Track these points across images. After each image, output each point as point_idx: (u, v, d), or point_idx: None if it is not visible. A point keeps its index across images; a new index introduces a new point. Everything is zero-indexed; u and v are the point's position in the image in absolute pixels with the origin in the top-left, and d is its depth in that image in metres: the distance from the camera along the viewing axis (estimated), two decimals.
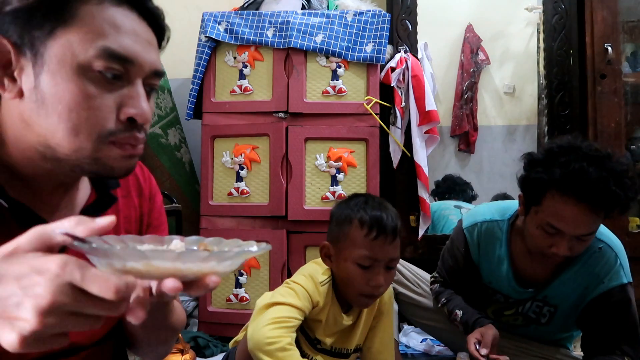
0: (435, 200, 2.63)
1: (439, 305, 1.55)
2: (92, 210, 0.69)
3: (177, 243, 0.50)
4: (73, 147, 0.58)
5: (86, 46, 0.57)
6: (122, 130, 0.60)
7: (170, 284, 0.42)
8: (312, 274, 1.23)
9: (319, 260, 1.29)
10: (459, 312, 1.45)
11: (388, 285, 1.22)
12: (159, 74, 0.64)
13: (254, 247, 0.47)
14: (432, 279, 1.64)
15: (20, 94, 0.58)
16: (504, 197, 2.52)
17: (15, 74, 0.58)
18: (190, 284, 0.45)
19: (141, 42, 0.61)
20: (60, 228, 0.43)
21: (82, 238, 0.42)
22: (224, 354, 1.55)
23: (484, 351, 1.28)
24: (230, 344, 1.37)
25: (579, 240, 1.24)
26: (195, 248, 0.51)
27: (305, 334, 1.26)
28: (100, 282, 0.40)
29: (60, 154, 0.59)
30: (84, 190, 0.71)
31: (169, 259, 0.43)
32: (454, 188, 2.65)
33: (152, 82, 0.64)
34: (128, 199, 0.76)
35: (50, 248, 0.43)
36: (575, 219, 1.20)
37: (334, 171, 2.03)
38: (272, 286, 1.98)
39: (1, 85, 0.58)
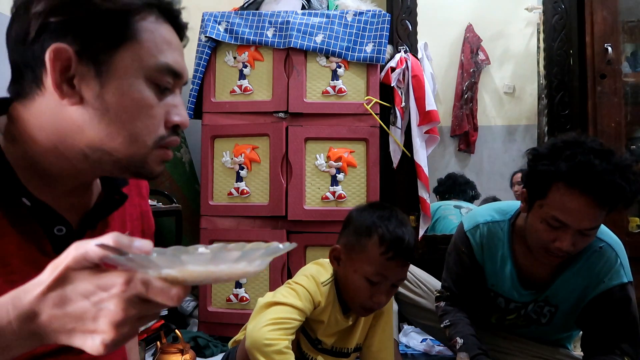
0: (437, 199, 2.63)
1: (442, 326, 1.53)
2: (104, 207, 0.72)
3: (202, 250, 0.51)
4: (129, 152, 0.63)
5: (150, 60, 0.63)
6: (168, 135, 0.66)
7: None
8: (314, 274, 1.23)
9: (321, 260, 1.29)
10: (460, 341, 1.43)
11: (388, 301, 1.22)
12: (186, 82, 0.71)
13: (280, 245, 0.49)
14: (438, 294, 1.61)
15: (80, 101, 0.61)
16: (494, 200, 2.52)
17: (75, 81, 0.60)
18: None
19: (182, 57, 0.68)
20: (98, 242, 0.47)
21: (120, 250, 0.46)
22: (224, 354, 1.55)
23: None
24: (230, 343, 1.37)
25: (582, 235, 1.24)
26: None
27: (307, 335, 1.26)
28: (164, 294, 0.45)
29: (112, 157, 0.63)
30: (96, 189, 0.74)
31: (202, 262, 0.45)
32: (455, 187, 2.65)
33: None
34: (130, 198, 0.78)
35: (96, 264, 0.47)
36: (581, 211, 1.20)
37: (334, 171, 2.03)
38: (272, 286, 1.98)
39: (60, 91, 0.60)
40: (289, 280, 1.23)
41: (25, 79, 0.62)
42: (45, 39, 0.59)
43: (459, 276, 1.53)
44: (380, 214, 1.18)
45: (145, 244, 0.48)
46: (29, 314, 0.46)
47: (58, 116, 0.62)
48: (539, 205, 1.27)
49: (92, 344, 0.46)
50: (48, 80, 0.60)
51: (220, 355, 1.79)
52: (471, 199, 2.64)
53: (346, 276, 1.19)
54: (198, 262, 0.45)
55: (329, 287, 1.22)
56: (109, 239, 0.47)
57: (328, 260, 1.28)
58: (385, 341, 1.34)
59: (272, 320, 1.10)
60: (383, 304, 1.18)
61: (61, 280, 0.46)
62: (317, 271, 1.24)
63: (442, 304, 1.57)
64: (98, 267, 0.47)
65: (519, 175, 2.71)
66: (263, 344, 1.07)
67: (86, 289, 0.46)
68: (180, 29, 0.68)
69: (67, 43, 0.59)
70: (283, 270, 2.00)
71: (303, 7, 2.17)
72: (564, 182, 1.21)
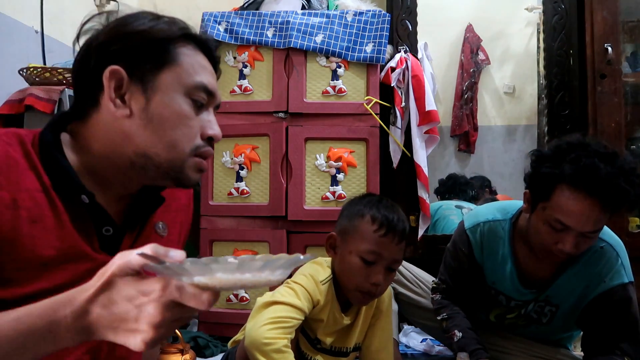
0: (438, 199, 2.63)
1: (439, 319, 1.54)
2: (142, 212, 0.80)
3: (231, 260, 0.56)
4: (169, 157, 0.73)
5: (188, 79, 0.74)
6: (204, 146, 0.76)
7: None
8: (313, 273, 1.23)
9: (318, 259, 1.29)
10: (458, 334, 1.43)
11: (387, 286, 1.23)
12: (219, 106, 0.81)
13: (301, 257, 0.54)
14: (434, 285, 1.62)
15: (130, 113, 0.72)
16: (493, 200, 2.52)
17: (126, 97, 0.72)
18: None
19: (215, 81, 0.79)
20: (139, 251, 0.53)
21: (157, 258, 0.53)
22: (223, 354, 1.55)
23: None
24: (230, 343, 1.37)
25: (584, 238, 1.24)
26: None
27: (306, 335, 1.26)
28: (196, 298, 0.51)
29: (155, 161, 0.73)
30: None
31: (230, 270, 0.50)
32: (455, 187, 2.65)
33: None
34: (173, 192, 0.87)
35: (138, 271, 0.54)
36: (584, 214, 1.20)
37: (334, 171, 2.03)
38: (272, 286, 1.98)
39: (113, 104, 0.71)
40: (288, 280, 1.23)
41: (84, 101, 0.74)
42: (104, 65, 0.71)
43: (456, 273, 1.53)
44: (370, 199, 1.25)
45: (179, 254, 0.54)
46: (81, 312, 0.54)
47: (110, 128, 0.73)
48: (542, 208, 1.27)
49: (134, 341, 0.53)
50: (104, 98, 0.71)
51: (221, 356, 1.79)
52: (471, 199, 2.64)
53: (342, 260, 1.20)
54: (226, 270, 0.50)
55: (327, 285, 1.23)
56: (148, 249, 0.53)
57: (325, 259, 1.29)
58: (385, 341, 1.34)
59: (270, 319, 1.10)
60: (380, 287, 1.18)
61: (108, 285, 0.53)
62: (315, 270, 1.25)
63: (438, 296, 1.57)
64: (139, 274, 0.54)
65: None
66: (262, 343, 1.07)
67: (129, 293, 0.53)
68: (214, 61, 0.80)
69: (121, 66, 0.71)
70: None
71: (303, 7, 2.17)
72: (568, 185, 1.20)
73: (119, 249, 0.72)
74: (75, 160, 0.73)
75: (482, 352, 1.38)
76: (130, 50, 0.72)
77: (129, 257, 0.53)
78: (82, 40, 0.76)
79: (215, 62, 0.80)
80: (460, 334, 1.43)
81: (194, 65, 0.75)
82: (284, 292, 1.17)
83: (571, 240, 1.23)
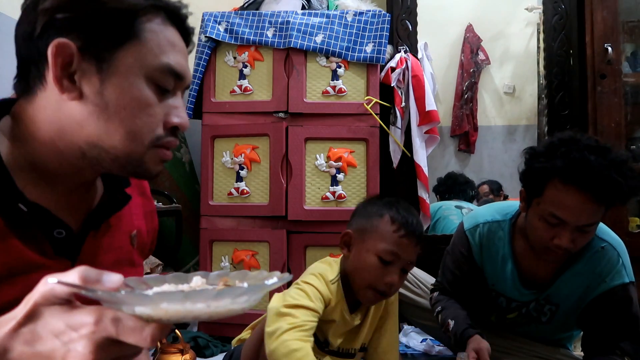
0: (437, 198, 2.63)
1: (435, 314, 1.54)
2: (107, 208, 0.72)
3: (197, 280, 0.49)
4: (127, 150, 0.63)
5: (152, 59, 0.63)
6: (166, 136, 0.66)
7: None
8: (322, 272, 1.22)
9: (326, 259, 1.29)
10: (451, 322, 1.43)
11: (398, 288, 1.23)
12: (188, 86, 0.71)
13: (272, 279, 0.46)
14: (432, 286, 1.62)
15: (80, 96, 0.61)
16: (492, 200, 2.52)
17: (76, 77, 0.61)
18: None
19: (186, 60, 0.68)
20: (62, 279, 0.44)
21: (85, 287, 0.43)
22: (224, 354, 1.55)
23: None
24: (234, 342, 1.36)
25: (580, 232, 1.24)
26: (212, 286, 0.48)
27: (315, 337, 1.25)
28: (136, 334, 0.43)
29: (110, 154, 0.63)
30: (98, 188, 0.74)
31: (178, 300, 0.42)
32: (455, 186, 2.64)
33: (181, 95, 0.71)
34: (133, 198, 0.78)
35: (67, 299, 0.45)
36: (577, 207, 1.20)
37: (334, 171, 2.03)
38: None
39: (60, 86, 0.61)
40: (298, 280, 1.21)
41: (30, 75, 0.63)
42: (50, 35, 0.60)
43: (455, 275, 1.53)
44: (388, 200, 1.25)
45: (114, 279, 0.45)
46: (0, 350, 0.45)
47: (58, 112, 0.62)
48: (537, 203, 1.28)
49: None
50: (50, 75, 0.60)
51: (221, 356, 1.79)
52: (471, 199, 2.64)
53: (358, 258, 1.20)
54: (173, 300, 0.42)
55: (336, 285, 1.22)
56: (75, 274, 0.44)
57: (333, 259, 1.28)
58: (392, 343, 1.34)
59: (291, 325, 1.08)
60: (394, 289, 1.19)
61: (31, 317, 0.44)
62: (324, 270, 1.24)
63: (436, 293, 1.58)
64: (70, 302, 0.45)
65: (485, 186, 2.72)
66: (290, 350, 1.05)
67: (56, 327, 0.44)
68: (187, 33, 0.69)
69: (71, 39, 0.60)
70: (283, 271, 2.00)
71: (303, 7, 2.17)
72: (560, 179, 1.21)
73: (81, 251, 0.68)
74: (13, 152, 0.63)
75: (471, 330, 1.38)
76: (84, 21, 0.60)
77: (52, 284, 0.44)
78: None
79: (187, 35, 0.70)
80: (453, 321, 1.43)
81: (160, 43, 0.64)
82: (295, 295, 1.15)
83: (567, 234, 1.23)
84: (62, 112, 0.62)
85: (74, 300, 0.45)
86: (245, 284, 0.45)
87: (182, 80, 0.67)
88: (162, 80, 0.64)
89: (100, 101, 0.61)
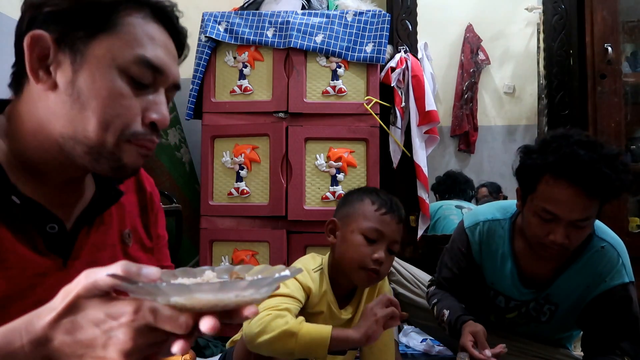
0: (437, 198, 2.63)
1: (430, 307, 1.54)
2: (99, 204, 0.72)
3: (209, 274, 0.52)
4: (100, 140, 0.62)
5: (126, 51, 0.63)
6: (143, 133, 0.65)
7: (209, 324, 0.45)
8: (303, 263, 1.27)
9: (310, 254, 1.33)
10: (446, 312, 1.44)
11: (388, 268, 1.26)
12: (177, 87, 0.70)
13: (286, 272, 0.51)
14: (429, 282, 1.64)
15: (54, 86, 0.62)
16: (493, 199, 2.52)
17: (52, 67, 0.62)
18: (228, 314, 0.48)
19: (169, 56, 0.67)
20: (108, 271, 0.47)
21: (129, 279, 0.47)
22: (222, 354, 1.55)
23: (488, 352, 1.28)
24: (228, 343, 1.37)
25: (575, 228, 1.24)
26: (226, 277, 0.53)
27: None
28: (172, 321, 0.45)
29: (83, 146, 0.63)
30: (90, 186, 0.74)
31: (212, 291, 0.45)
32: (455, 186, 2.64)
33: (170, 94, 0.70)
34: (127, 195, 0.78)
35: (106, 292, 0.48)
36: (569, 201, 1.21)
37: (334, 171, 2.03)
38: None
39: (35, 77, 0.62)
40: None
41: (19, 73, 0.65)
42: (33, 29, 0.61)
43: (453, 274, 1.53)
44: (367, 188, 1.34)
45: (153, 272, 0.48)
46: (41, 339, 0.47)
47: (37, 104, 0.63)
48: (531, 200, 1.29)
49: None
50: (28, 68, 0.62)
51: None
52: (471, 198, 2.64)
53: (344, 241, 1.23)
54: (208, 291, 0.45)
55: (319, 273, 1.25)
56: (118, 267, 0.47)
57: (317, 253, 1.32)
58: (388, 342, 1.34)
59: (263, 307, 1.10)
60: (384, 269, 1.21)
61: (72, 308, 0.47)
62: (305, 261, 1.29)
63: (432, 288, 1.58)
64: (108, 294, 0.48)
65: (484, 189, 2.72)
66: (263, 323, 1.06)
67: (96, 317, 0.47)
68: (176, 32, 0.69)
69: (50, 32, 0.61)
70: None
71: (303, 7, 2.17)
72: (551, 174, 1.22)
73: (74, 247, 0.68)
74: (6, 149, 0.64)
75: (466, 317, 1.39)
76: (64, 13, 0.62)
77: (95, 277, 0.47)
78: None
79: (177, 35, 0.69)
80: (448, 311, 1.43)
81: (138, 36, 0.64)
82: None
83: (561, 230, 1.23)
84: (40, 104, 0.63)
85: (113, 293, 0.48)
86: (270, 277, 0.49)
87: (164, 76, 0.66)
88: (138, 73, 0.63)
89: (72, 91, 0.62)
